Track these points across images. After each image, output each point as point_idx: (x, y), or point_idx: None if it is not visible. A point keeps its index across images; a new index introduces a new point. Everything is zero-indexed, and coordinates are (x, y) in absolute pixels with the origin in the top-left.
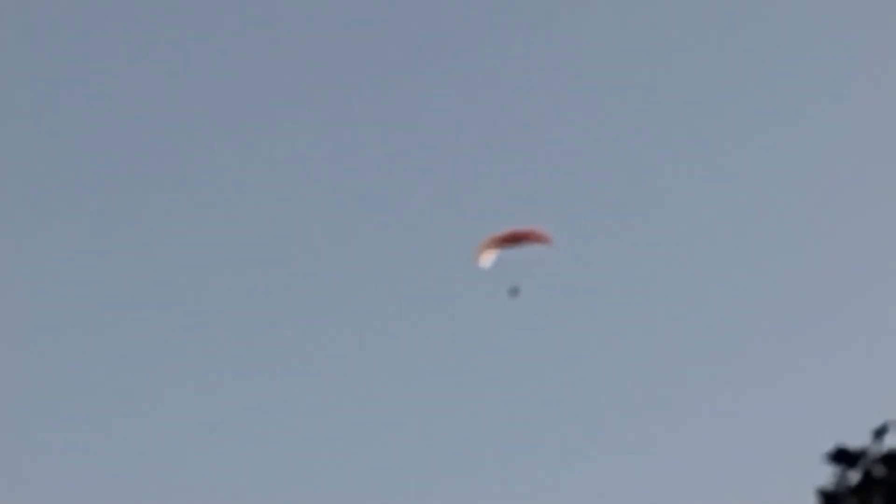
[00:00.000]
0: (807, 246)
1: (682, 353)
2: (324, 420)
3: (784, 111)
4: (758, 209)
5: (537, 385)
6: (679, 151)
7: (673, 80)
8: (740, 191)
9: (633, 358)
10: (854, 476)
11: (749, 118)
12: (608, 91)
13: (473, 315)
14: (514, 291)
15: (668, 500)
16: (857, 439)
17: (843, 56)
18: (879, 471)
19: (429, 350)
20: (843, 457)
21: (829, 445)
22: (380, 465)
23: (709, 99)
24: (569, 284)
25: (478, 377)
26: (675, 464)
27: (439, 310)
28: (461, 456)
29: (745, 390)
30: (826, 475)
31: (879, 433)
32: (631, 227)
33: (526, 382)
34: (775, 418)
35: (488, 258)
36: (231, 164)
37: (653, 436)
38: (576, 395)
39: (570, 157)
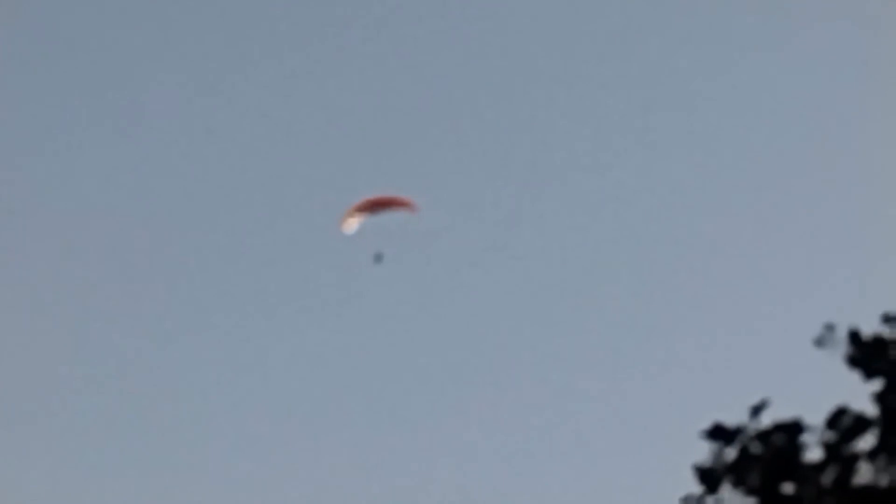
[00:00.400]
0: (679, 218)
1: (552, 325)
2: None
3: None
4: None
5: (394, 351)
6: (554, 113)
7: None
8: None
9: (498, 329)
10: (731, 453)
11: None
12: (475, 46)
13: (338, 282)
14: (378, 258)
15: (546, 478)
16: (735, 417)
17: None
18: (756, 448)
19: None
20: (720, 434)
21: (707, 424)
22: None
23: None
24: (436, 251)
25: (342, 345)
26: (550, 442)
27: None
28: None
29: (625, 370)
30: (704, 453)
31: (756, 410)
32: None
33: (385, 350)
34: (655, 397)
35: (353, 225)
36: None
37: (517, 409)
38: (435, 365)
39: (441, 125)
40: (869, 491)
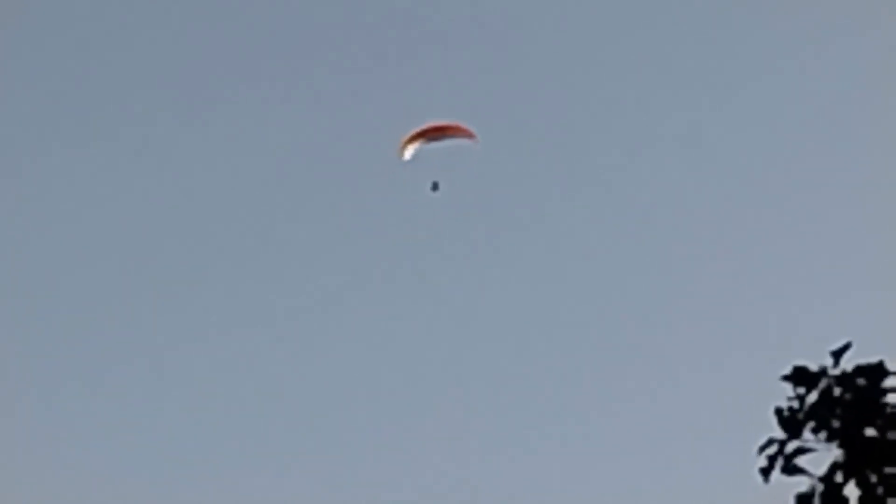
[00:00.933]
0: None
1: (614, 268)
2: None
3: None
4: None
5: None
6: (611, 62)
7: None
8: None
9: (561, 271)
10: (812, 397)
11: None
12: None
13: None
14: (435, 186)
15: (629, 419)
16: (817, 360)
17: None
18: (838, 391)
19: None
20: (801, 377)
21: (788, 367)
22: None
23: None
24: (494, 181)
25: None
26: (630, 384)
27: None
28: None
29: (707, 312)
30: (785, 396)
31: (838, 353)
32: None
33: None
34: (734, 341)
35: (410, 151)
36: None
37: (593, 358)
38: (491, 299)
39: (500, 56)
40: None
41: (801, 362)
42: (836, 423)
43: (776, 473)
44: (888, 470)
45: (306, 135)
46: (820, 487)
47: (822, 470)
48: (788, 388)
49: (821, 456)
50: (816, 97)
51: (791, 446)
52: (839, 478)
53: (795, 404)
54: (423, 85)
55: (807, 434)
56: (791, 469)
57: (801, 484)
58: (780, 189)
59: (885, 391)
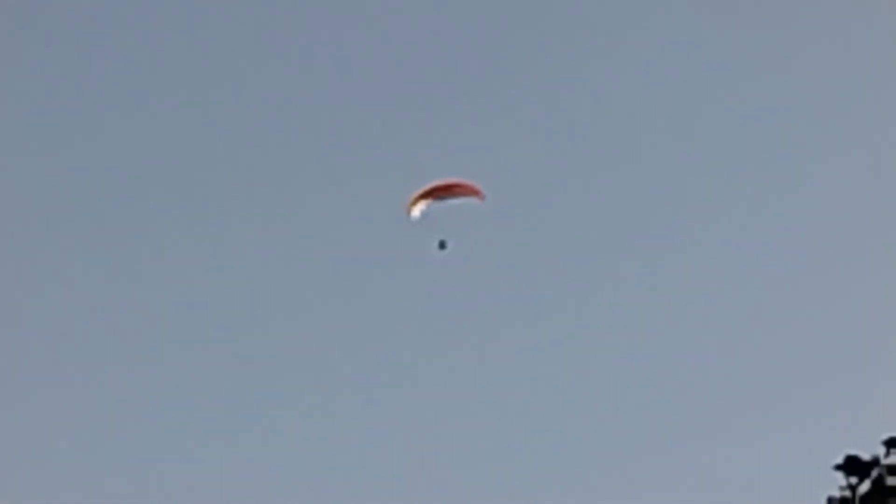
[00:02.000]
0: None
1: (645, 332)
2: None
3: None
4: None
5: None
6: (622, 111)
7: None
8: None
9: (571, 316)
10: (865, 486)
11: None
12: (543, 44)
13: (405, 265)
14: (442, 244)
15: None
16: (868, 450)
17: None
18: (891, 480)
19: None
20: (853, 466)
21: (840, 456)
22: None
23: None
24: (501, 238)
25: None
26: (677, 471)
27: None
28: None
29: (753, 397)
30: (836, 485)
31: (890, 443)
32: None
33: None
34: (787, 427)
35: (418, 210)
36: None
37: (636, 425)
38: (501, 352)
39: (508, 113)
40: None
41: (853, 452)
42: None
43: None
44: None
45: (315, 197)
46: None
47: None
48: (840, 478)
49: None
50: None
51: None
52: None
53: (848, 493)
54: (433, 143)
55: None
56: None
57: None
58: (832, 277)
59: None
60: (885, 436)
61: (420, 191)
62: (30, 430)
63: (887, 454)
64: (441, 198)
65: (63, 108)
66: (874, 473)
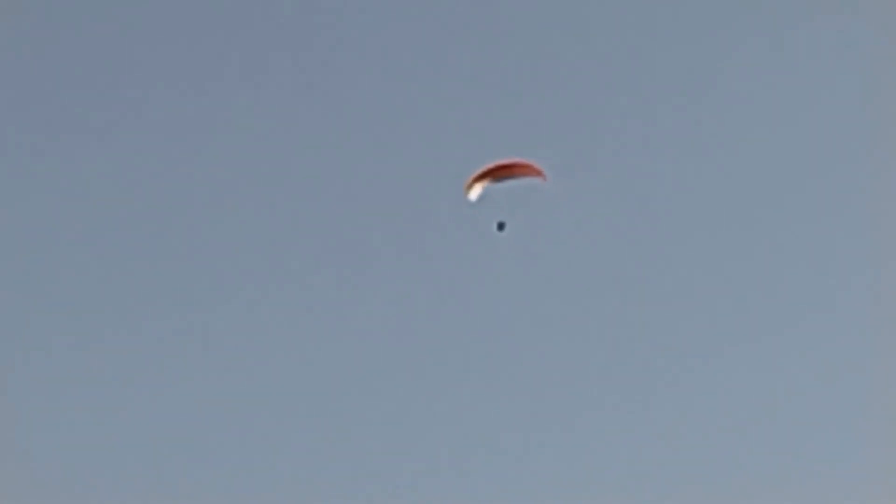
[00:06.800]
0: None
1: (686, 300)
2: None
3: None
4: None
5: (521, 323)
6: (681, 87)
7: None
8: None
9: (633, 298)
10: None
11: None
12: (602, 22)
13: (463, 248)
14: (501, 226)
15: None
16: None
17: None
18: None
19: (418, 283)
20: None
21: None
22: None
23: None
24: (563, 220)
25: (462, 311)
26: (677, 471)
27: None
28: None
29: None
30: None
31: None
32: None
33: (512, 319)
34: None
35: (477, 191)
36: None
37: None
38: (562, 337)
39: (568, 91)
40: None
41: None
42: None
43: None
44: None
45: (375, 171)
46: None
47: None
48: None
49: None
50: None
51: None
52: None
53: None
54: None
55: None
56: None
57: None
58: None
59: None
60: None
61: (479, 171)
62: (30, 430)
63: None
64: (502, 178)
65: (63, 108)
66: None
